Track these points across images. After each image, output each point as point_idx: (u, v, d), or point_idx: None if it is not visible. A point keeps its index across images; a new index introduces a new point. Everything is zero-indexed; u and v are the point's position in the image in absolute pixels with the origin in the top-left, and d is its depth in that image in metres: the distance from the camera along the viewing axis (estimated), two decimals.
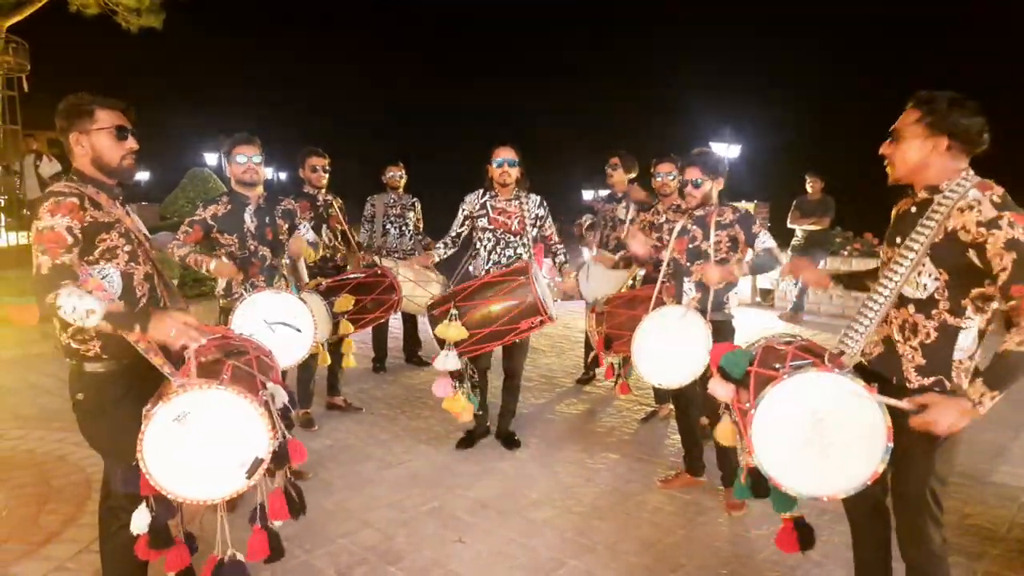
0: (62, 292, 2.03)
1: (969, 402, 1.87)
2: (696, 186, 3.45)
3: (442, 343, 3.79)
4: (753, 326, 7.48)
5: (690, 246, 3.53)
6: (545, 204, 4.27)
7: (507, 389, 4.35)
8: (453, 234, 4.29)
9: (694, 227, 3.54)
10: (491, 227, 4.16)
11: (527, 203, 4.17)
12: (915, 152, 2.03)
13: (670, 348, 3.36)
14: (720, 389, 2.23)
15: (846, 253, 9.36)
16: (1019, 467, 3.97)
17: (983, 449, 4.19)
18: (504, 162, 4.06)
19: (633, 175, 5.35)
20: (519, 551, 3.06)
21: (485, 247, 4.19)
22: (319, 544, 3.11)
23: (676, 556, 3.02)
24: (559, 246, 4.38)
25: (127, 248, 2.27)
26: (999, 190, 1.93)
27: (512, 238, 4.16)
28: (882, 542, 2.37)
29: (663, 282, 3.62)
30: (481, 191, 4.22)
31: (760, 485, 2.56)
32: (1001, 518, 3.33)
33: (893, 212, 2.25)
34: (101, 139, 2.25)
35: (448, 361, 3.76)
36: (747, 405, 2.06)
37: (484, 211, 4.18)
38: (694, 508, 3.48)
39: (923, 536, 2.10)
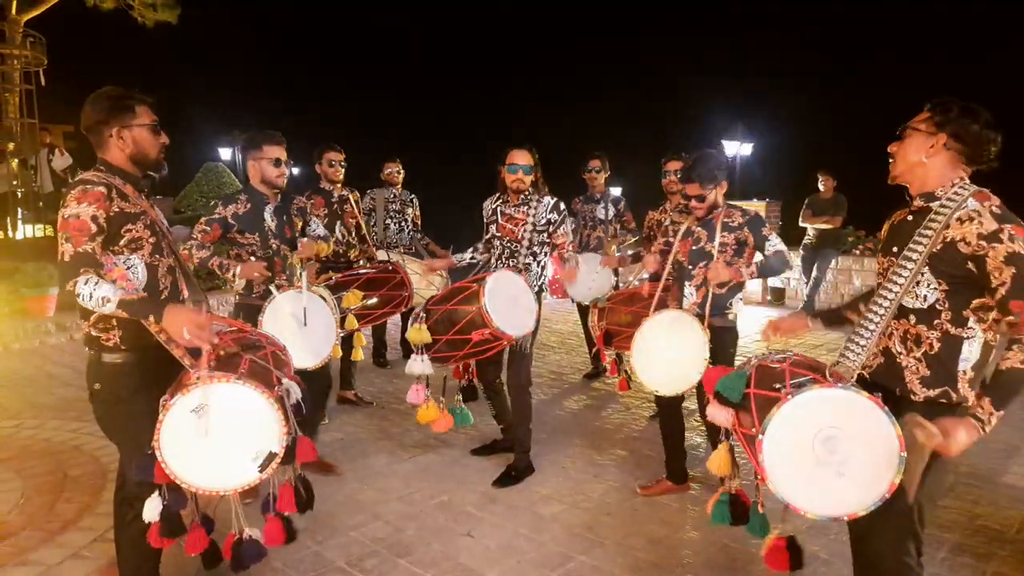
0: (80, 279, 2.08)
1: (978, 422, 1.83)
2: (700, 201, 3.42)
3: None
4: (763, 325, 7.44)
5: (693, 248, 3.46)
6: (560, 207, 3.86)
7: (511, 404, 3.94)
8: (483, 240, 4.05)
9: (699, 229, 3.47)
10: (499, 234, 3.91)
11: (538, 207, 3.82)
12: (915, 149, 2.03)
13: (667, 355, 3.30)
14: (720, 415, 2.13)
15: (858, 252, 9.32)
16: None
17: (995, 450, 4.18)
18: (519, 169, 3.75)
19: (608, 174, 5.67)
20: (528, 545, 3.09)
21: (495, 255, 3.95)
22: (330, 536, 3.14)
23: (684, 552, 3.04)
24: (569, 253, 3.96)
25: (152, 240, 2.30)
26: (996, 200, 1.91)
27: (519, 246, 3.85)
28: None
29: (666, 282, 3.58)
30: (496, 195, 3.98)
31: (740, 512, 2.47)
32: (1011, 519, 3.33)
33: (886, 224, 2.23)
34: (143, 134, 2.31)
35: (416, 366, 3.57)
36: (752, 430, 1.97)
37: (495, 217, 3.94)
38: (702, 505, 3.48)
39: (900, 546, 2.05)
